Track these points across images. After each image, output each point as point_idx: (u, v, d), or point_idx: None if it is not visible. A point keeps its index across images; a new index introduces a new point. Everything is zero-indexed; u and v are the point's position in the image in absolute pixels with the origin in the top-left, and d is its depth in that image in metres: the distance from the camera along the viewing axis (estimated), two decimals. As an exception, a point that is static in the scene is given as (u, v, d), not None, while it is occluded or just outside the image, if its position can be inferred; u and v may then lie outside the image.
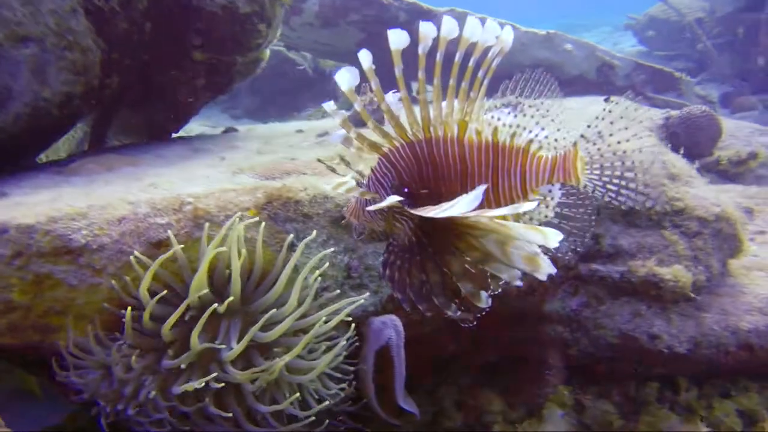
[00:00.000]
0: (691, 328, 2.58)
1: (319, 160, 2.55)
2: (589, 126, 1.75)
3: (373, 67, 1.61)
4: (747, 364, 2.67)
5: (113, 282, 1.92)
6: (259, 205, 2.12)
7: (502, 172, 1.72)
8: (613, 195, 1.79)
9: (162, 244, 1.99)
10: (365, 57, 1.57)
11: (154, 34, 3.74)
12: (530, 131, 1.75)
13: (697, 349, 2.58)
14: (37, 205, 2.13)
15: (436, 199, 1.69)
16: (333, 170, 1.81)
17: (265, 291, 2.07)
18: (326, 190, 2.19)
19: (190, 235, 2.01)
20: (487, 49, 1.67)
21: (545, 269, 1.51)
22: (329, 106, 1.76)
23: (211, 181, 2.39)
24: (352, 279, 2.22)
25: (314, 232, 2.05)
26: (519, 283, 1.68)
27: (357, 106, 1.65)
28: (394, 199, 1.57)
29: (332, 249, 2.09)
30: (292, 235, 2.06)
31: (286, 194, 2.15)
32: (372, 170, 1.79)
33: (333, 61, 9.37)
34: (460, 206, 1.45)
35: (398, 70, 1.61)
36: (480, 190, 1.47)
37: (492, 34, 1.65)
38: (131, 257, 1.89)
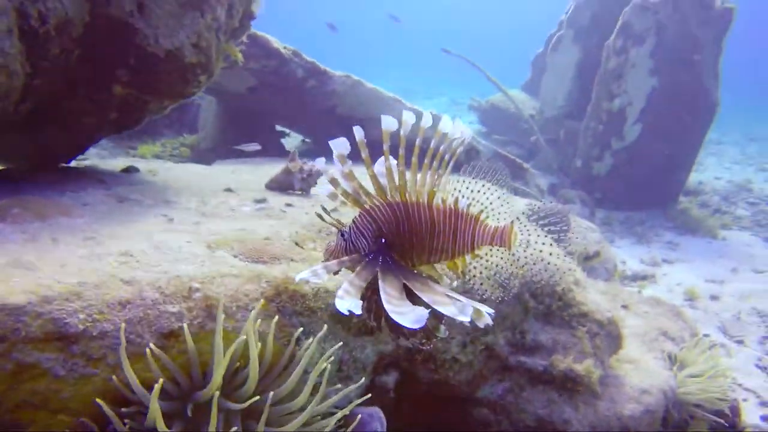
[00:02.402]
0: (590, 414, 3.10)
1: (296, 244, 2.60)
2: (523, 213, 2.21)
3: (365, 140, 1.95)
4: (622, 444, 3.26)
5: (116, 376, 1.75)
6: (268, 297, 2.10)
7: (459, 232, 2.16)
8: (530, 267, 2.25)
9: (172, 335, 1.86)
10: (359, 132, 1.92)
11: (79, 62, 3.40)
12: (482, 204, 2.19)
13: (594, 432, 3.10)
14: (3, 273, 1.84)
15: (409, 249, 2.12)
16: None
17: (270, 384, 2.03)
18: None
19: (202, 326, 1.91)
20: (452, 140, 2.08)
21: (485, 320, 1.91)
22: (320, 162, 2.04)
23: (195, 258, 2.28)
24: (342, 372, 2.29)
25: (325, 327, 2.09)
26: (467, 319, 1.96)
27: (345, 168, 1.99)
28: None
29: (339, 344, 2.14)
30: (301, 329, 2.08)
31: (293, 286, 2.16)
32: (353, 221, 2.12)
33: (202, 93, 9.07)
34: (408, 317, 1.75)
35: (386, 146, 1.98)
36: (423, 316, 1.76)
37: (458, 129, 2.09)
38: (147, 349, 1.74)
